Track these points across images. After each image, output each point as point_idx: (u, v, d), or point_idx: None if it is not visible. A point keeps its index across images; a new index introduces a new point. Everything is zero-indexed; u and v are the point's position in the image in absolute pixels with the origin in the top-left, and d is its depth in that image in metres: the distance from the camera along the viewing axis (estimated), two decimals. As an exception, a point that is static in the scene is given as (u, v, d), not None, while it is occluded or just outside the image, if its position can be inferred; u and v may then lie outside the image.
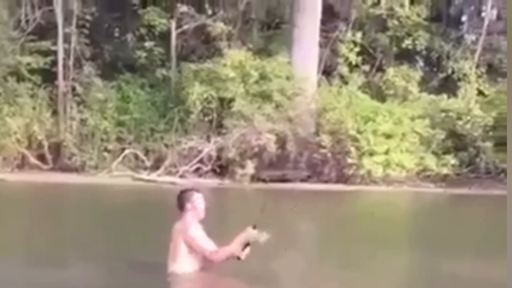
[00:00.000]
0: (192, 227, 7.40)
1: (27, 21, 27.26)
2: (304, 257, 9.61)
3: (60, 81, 26.78)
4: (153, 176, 23.67)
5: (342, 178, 23.48)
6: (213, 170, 24.32)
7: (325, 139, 23.70)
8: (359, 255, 9.65)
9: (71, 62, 27.04)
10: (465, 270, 8.44)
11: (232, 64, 24.70)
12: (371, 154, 23.47)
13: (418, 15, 28.25)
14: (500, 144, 21.94)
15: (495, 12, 29.90)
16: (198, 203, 7.50)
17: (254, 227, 7.21)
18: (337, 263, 8.94)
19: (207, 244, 7.36)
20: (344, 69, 27.23)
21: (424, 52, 29.69)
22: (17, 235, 10.76)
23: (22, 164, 25.41)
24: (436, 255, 9.74)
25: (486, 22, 28.53)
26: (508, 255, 7.42)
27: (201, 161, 24.22)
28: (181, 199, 7.54)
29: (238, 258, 7.29)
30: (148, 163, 24.81)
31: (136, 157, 25.00)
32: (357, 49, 27.53)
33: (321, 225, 13.64)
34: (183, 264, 7.40)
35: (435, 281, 8.12)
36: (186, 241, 7.34)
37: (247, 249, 7.28)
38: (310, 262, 9.32)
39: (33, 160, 25.44)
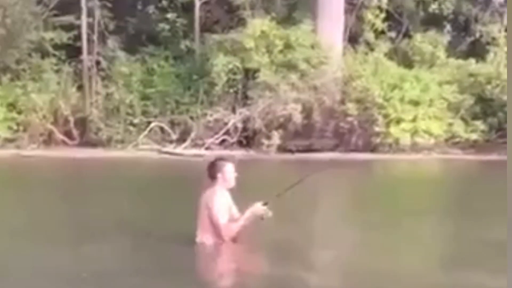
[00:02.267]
0: (217, 196, 7.46)
1: (49, -4, 27.17)
2: (340, 225, 9.54)
3: (85, 56, 26.73)
4: (179, 149, 23.63)
5: (370, 147, 23.29)
6: (239, 142, 24.22)
7: (352, 108, 23.49)
8: (394, 222, 9.59)
9: (95, 36, 26.97)
10: (498, 236, 8.28)
11: (256, 33, 24.44)
12: (398, 121, 23.23)
13: (445, -22, 27.74)
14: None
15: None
16: (228, 173, 7.58)
17: (265, 204, 7.36)
18: (372, 230, 8.83)
19: (223, 218, 7.40)
20: (370, 36, 26.84)
21: (451, 16, 29.19)
22: (47, 211, 10.74)
23: (49, 140, 25.42)
24: (469, 221, 9.66)
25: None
26: (508, 249, 7.25)
27: (227, 132, 24.12)
28: (212, 168, 7.62)
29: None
30: (174, 136, 24.75)
31: (162, 130, 24.95)
32: (383, 15, 27.09)
33: (353, 194, 13.52)
34: (210, 233, 7.44)
35: (468, 246, 8.03)
36: (209, 210, 7.40)
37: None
38: (345, 229, 9.20)
39: (59, 135, 25.47)
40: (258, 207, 7.40)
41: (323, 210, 11.15)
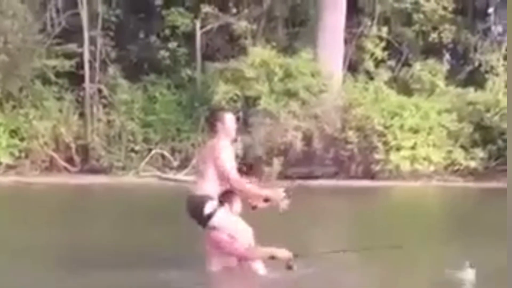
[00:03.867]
0: (221, 146, 7.36)
1: (52, 25, 27.41)
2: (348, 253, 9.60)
3: (87, 84, 26.89)
4: (180, 175, 23.72)
5: (370, 174, 23.35)
6: (239, 169, 24.21)
7: (352, 135, 23.60)
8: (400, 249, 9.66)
9: (97, 64, 27.15)
10: (499, 262, 8.36)
11: (256, 62, 24.64)
12: (398, 149, 23.33)
13: (444, 8, 27.93)
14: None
15: (522, 2, 29.49)
16: (229, 123, 7.48)
17: (285, 191, 7.35)
18: (378, 258, 8.87)
19: (231, 167, 7.31)
20: (370, 65, 27.00)
21: (450, 45, 29.42)
22: (49, 237, 10.80)
23: (50, 167, 25.51)
24: (470, 248, 9.68)
25: (513, 13, 28.13)
26: (508, 254, 7.34)
27: (227, 160, 24.12)
28: (212, 119, 7.58)
29: (253, 208, 7.47)
30: (175, 163, 24.89)
31: (163, 157, 25.08)
32: (382, 44, 27.33)
33: (355, 222, 13.58)
34: (208, 185, 7.37)
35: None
36: (213, 160, 7.29)
37: (265, 204, 7.43)
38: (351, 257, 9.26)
39: (61, 162, 25.56)
40: (279, 191, 7.39)
41: (321, 237, 11.20)
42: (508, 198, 7.79)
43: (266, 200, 7.45)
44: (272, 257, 7.42)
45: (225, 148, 7.37)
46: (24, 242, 10.14)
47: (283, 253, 7.40)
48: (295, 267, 7.38)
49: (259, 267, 7.51)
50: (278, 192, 7.39)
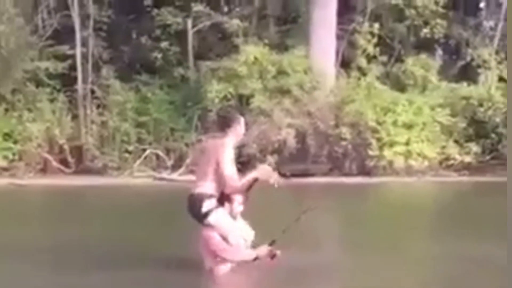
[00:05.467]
0: (226, 147, 7.46)
1: (44, 27, 27.40)
2: (345, 250, 9.62)
3: (79, 85, 26.87)
4: (175, 175, 23.70)
5: (364, 170, 23.37)
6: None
7: (345, 132, 23.61)
8: (396, 244, 9.79)
9: (89, 65, 27.15)
10: (495, 256, 8.40)
11: (249, 60, 24.65)
12: (392, 145, 23.36)
13: (436, 3, 27.95)
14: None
15: (513, -3, 29.56)
16: (240, 128, 7.64)
17: (269, 164, 7.52)
18: (377, 253, 8.92)
19: (232, 171, 7.37)
20: (362, 61, 26.92)
21: (442, 40, 29.46)
22: (44, 239, 10.79)
23: (45, 169, 25.44)
24: (467, 242, 9.71)
25: (504, 8, 28.23)
26: (508, 251, 7.36)
27: (222, 158, 24.10)
28: (226, 120, 7.70)
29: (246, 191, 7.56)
30: (169, 163, 24.86)
31: (157, 157, 25.06)
32: (374, 40, 27.23)
33: (349, 218, 13.59)
34: (209, 184, 7.48)
35: (467, 267, 8.17)
36: (216, 160, 7.38)
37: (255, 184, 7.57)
38: (350, 254, 9.28)
39: (55, 164, 25.49)
40: (266, 168, 7.59)
41: (320, 233, 11.21)
42: (508, 194, 7.81)
43: (255, 180, 7.58)
44: (256, 258, 7.56)
45: (229, 150, 7.48)
46: (19, 243, 10.12)
47: (263, 249, 7.58)
48: (279, 252, 7.56)
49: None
50: (264, 168, 7.63)
